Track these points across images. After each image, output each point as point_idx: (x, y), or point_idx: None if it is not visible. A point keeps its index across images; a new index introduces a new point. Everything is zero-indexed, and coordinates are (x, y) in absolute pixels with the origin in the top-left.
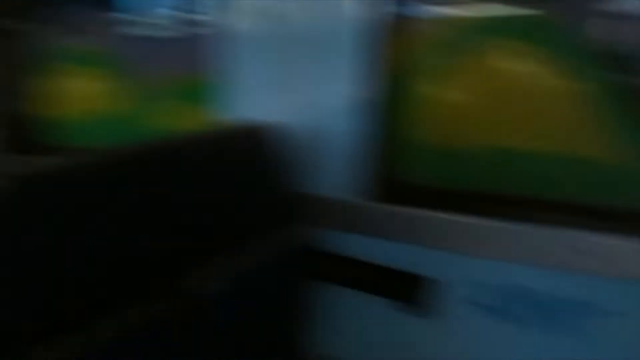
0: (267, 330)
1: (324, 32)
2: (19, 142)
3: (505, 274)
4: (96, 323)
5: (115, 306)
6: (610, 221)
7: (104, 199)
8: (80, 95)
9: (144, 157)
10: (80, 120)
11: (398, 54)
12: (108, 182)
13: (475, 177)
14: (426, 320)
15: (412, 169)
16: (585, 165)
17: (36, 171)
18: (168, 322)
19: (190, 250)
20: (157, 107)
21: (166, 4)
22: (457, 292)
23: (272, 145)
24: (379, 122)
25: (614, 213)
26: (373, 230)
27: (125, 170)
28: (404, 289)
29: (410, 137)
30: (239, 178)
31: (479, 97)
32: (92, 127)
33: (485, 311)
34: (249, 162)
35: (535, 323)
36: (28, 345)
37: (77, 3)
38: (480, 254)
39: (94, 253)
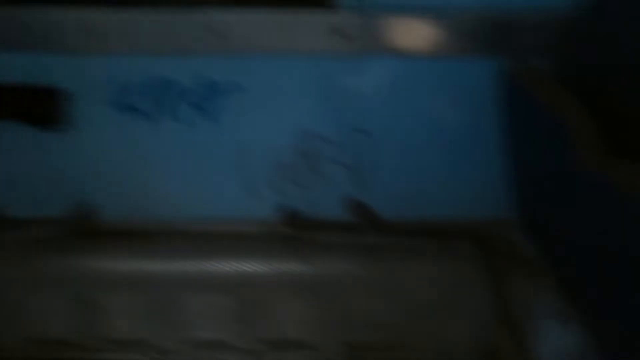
0: None
1: None
2: None
3: (138, 69)
4: None
5: None
6: None
7: None
8: None
9: None
10: None
11: None
12: None
13: None
14: (61, 133)
15: None
16: None
17: None
18: None
19: None
20: None
21: None
22: (92, 96)
23: None
24: None
25: None
26: None
27: None
28: (29, 104)
29: None
30: None
31: None
32: None
33: (125, 112)
34: None
35: (165, 113)
36: None
37: None
38: (109, 51)
39: None
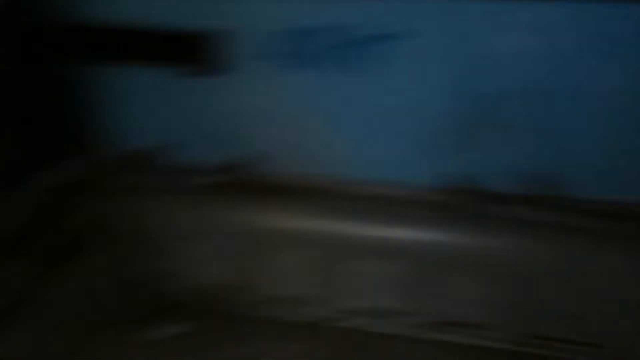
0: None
1: None
2: None
3: (291, 16)
4: None
5: None
6: None
7: None
8: None
9: None
10: None
11: None
12: None
13: None
14: (216, 80)
15: None
16: None
17: None
18: None
19: None
20: None
21: None
22: (245, 43)
23: None
24: None
25: None
26: None
27: None
28: (183, 50)
29: None
30: None
31: None
32: None
33: (279, 60)
34: None
35: (333, 62)
36: None
37: None
38: None
39: None
